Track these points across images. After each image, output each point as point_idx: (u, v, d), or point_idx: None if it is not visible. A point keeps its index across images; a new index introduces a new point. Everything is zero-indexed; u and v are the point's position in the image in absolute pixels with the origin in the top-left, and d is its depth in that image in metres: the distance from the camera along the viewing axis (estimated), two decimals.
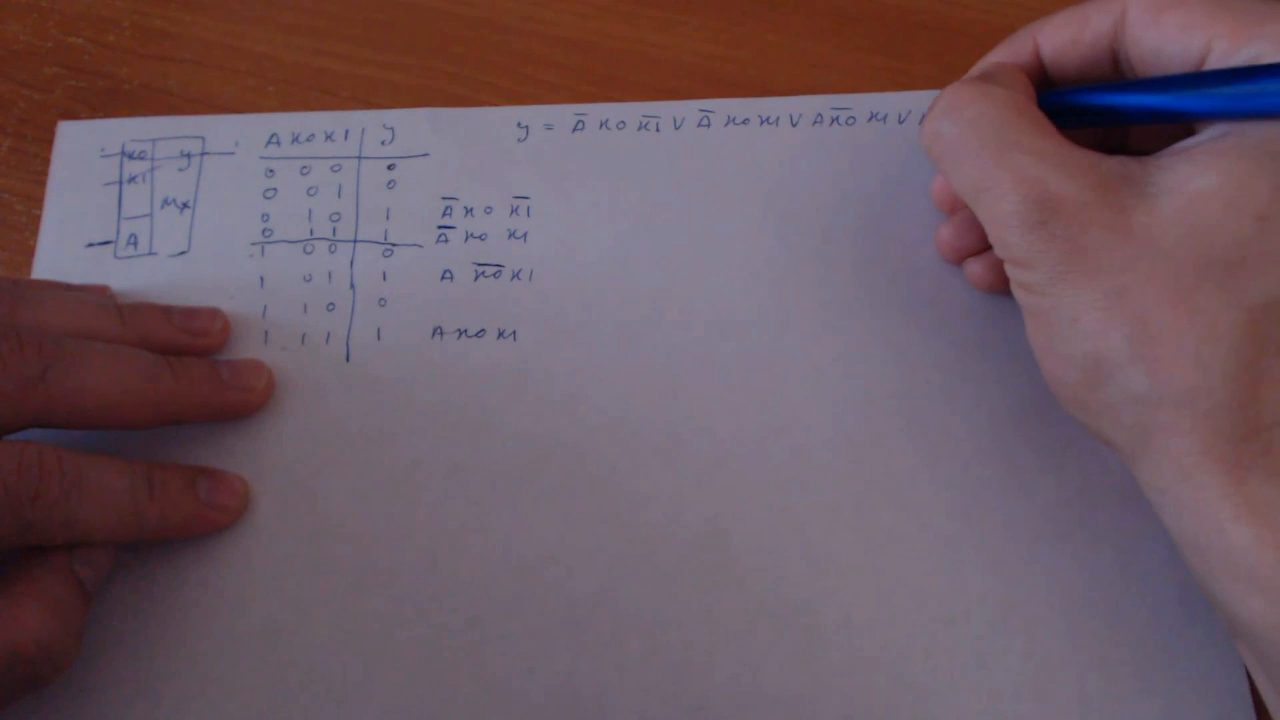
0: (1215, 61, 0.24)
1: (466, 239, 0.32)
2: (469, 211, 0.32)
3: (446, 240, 0.32)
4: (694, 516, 0.28)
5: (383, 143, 0.33)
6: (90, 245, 0.32)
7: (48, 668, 0.24)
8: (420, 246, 0.32)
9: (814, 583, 0.28)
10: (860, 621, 0.27)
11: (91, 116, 0.34)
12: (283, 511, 0.29)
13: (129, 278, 0.31)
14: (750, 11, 0.35)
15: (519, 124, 0.33)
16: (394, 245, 0.32)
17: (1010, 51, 0.28)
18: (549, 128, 0.33)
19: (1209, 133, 0.24)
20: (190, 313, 0.30)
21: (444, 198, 0.32)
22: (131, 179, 0.33)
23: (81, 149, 0.33)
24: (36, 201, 0.32)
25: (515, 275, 0.31)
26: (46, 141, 0.33)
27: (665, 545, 0.28)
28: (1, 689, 0.23)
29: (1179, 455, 0.22)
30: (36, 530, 0.24)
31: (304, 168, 0.33)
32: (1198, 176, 0.22)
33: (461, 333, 0.31)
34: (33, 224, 0.32)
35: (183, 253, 0.32)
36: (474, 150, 0.33)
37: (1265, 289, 0.22)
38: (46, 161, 0.33)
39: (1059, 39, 0.27)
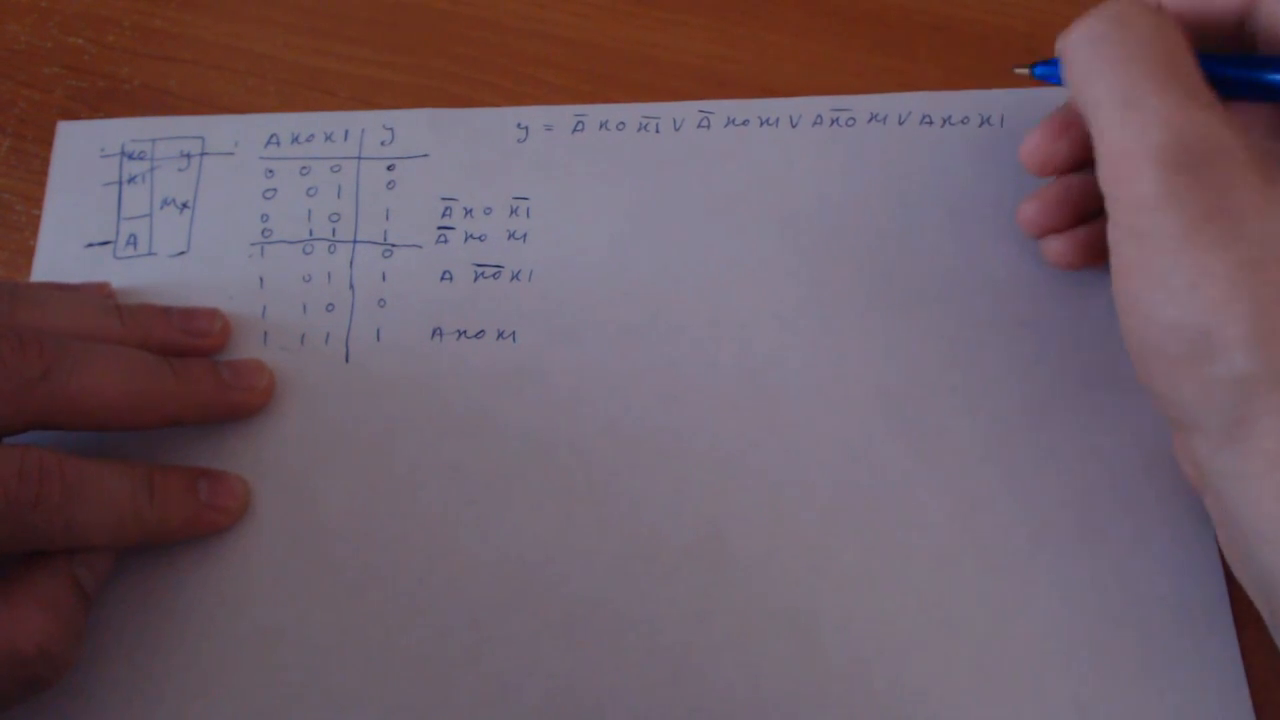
0: None
1: (466, 239, 0.32)
2: (469, 212, 0.32)
3: (446, 241, 0.32)
4: (693, 518, 0.28)
5: (382, 143, 0.33)
6: (90, 245, 0.32)
7: (48, 671, 0.24)
8: (420, 247, 0.32)
9: (813, 584, 0.28)
10: (859, 623, 0.27)
11: (91, 116, 0.34)
12: (282, 512, 0.29)
13: (129, 278, 0.31)
14: (750, 11, 0.35)
15: (519, 124, 0.33)
16: (393, 246, 0.32)
17: None
18: (549, 128, 0.33)
19: None
20: (190, 313, 0.30)
21: (444, 198, 0.32)
22: (131, 179, 0.33)
23: (81, 149, 0.33)
24: (36, 201, 0.32)
25: (515, 276, 0.31)
26: (46, 141, 0.33)
27: (664, 546, 0.28)
28: (2, 692, 0.23)
29: (1277, 442, 0.21)
30: (37, 535, 0.24)
31: (304, 168, 0.33)
32: None
33: (461, 333, 0.31)
34: (33, 224, 0.32)
35: (182, 253, 0.32)
36: (474, 151, 0.33)
37: None
38: (46, 161, 0.33)
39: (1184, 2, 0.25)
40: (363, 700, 0.27)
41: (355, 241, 0.32)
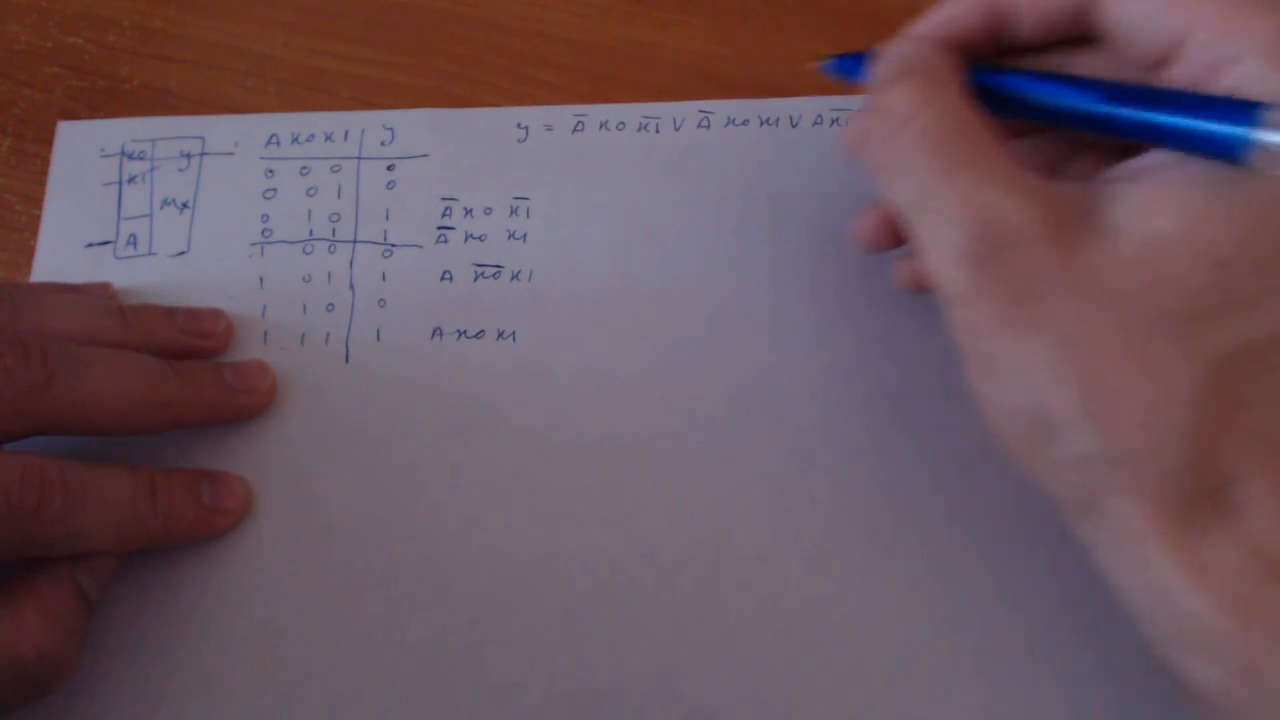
0: (1192, 55, 0.21)
1: (466, 239, 0.32)
2: (469, 212, 0.32)
3: (446, 241, 0.32)
4: (693, 517, 0.28)
5: (382, 143, 0.33)
6: (90, 245, 0.32)
7: (49, 676, 0.24)
8: (420, 247, 0.32)
9: (812, 584, 0.28)
10: (859, 623, 0.27)
11: (91, 116, 0.34)
12: (282, 512, 0.29)
13: (129, 278, 0.31)
14: (750, 11, 0.35)
15: (519, 124, 0.33)
16: (393, 246, 0.32)
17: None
18: (549, 128, 0.33)
19: (1158, 156, 0.22)
20: (193, 314, 0.30)
21: (444, 198, 0.32)
22: (131, 179, 0.33)
23: (81, 149, 0.33)
24: (36, 201, 0.32)
25: (515, 276, 0.31)
26: (46, 141, 0.33)
27: (664, 546, 0.28)
28: (3, 697, 0.23)
29: (1130, 518, 0.21)
30: (39, 543, 0.24)
31: (304, 168, 0.33)
32: (1153, 215, 0.21)
33: (461, 333, 0.31)
34: (33, 224, 0.32)
35: (182, 253, 0.32)
36: (474, 151, 0.33)
37: (1223, 341, 0.20)
38: (46, 161, 0.33)
39: None
40: (363, 700, 0.27)
41: (355, 241, 0.32)
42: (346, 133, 0.33)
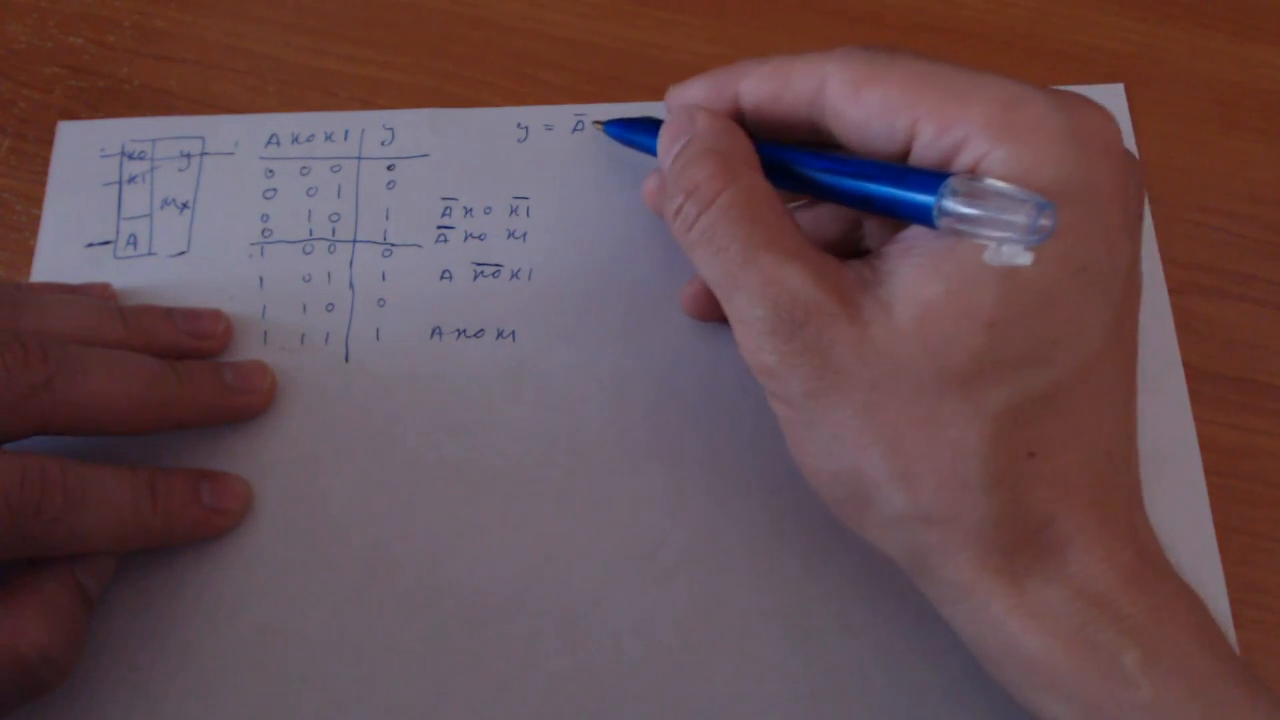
0: (922, 147, 0.22)
1: (466, 239, 0.32)
2: (468, 212, 0.32)
3: (446, 240, 0.32)
4: (692, 517, 0.28)
5: (382, 143, 0.33)
6: (90, 245, 0.32)
7: (50, 675, 0.24)
8: (419, 246, 0.32)
9: (812, 584, 0.28)
10: (858, 623, 0.27)
11: (91, 116, 0.34)
12: (282, 512, 0.29)
13: (129, 278, 0.31)
14: (750, 11, 0.35)
15: (519, 124, 0.33)
16: (393, 245, 0.32)
17: (714, 89, 0.26)
18: (549, 128, 0.33)
19: (918, 227, 0.22)
20: (193, 315, 0.30)
21: (444, 198, 0.32)
22: (131, 179, 0.33)
23: (81, 149, 0.33)
24: (36, 201, 0.32)
25: (514, 275, 0.31)
26: (46, 141, 0.33)
27: (664, 546, 0.28)
28: (4, 696, 0.23)
29: (956, 572, 0.22)
30: (39, 543, 0.24)
31: (304, 168, 0.33)
32: (926, 284, 0.21)
33: (460, 333, 0.31)
34: (32, 224, 0.32)
35: (182, 253, 0.32)
36: (474, 150, 0.33)
37: (1003, 396, 0.21)
38: (46, 161, 0.33)
39: (761, 92, 0.25)
40: (363, 700, 0.27)
41: (355, 241, 0.32)
42: (346, 133, 0.33)
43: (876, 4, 0.35)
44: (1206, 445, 0.29)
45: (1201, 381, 0.30)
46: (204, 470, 0.28)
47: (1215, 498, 0.28)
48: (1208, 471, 0.29)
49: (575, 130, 0.33)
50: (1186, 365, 0.30)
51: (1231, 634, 0.27)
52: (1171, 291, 0.31)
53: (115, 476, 0.26)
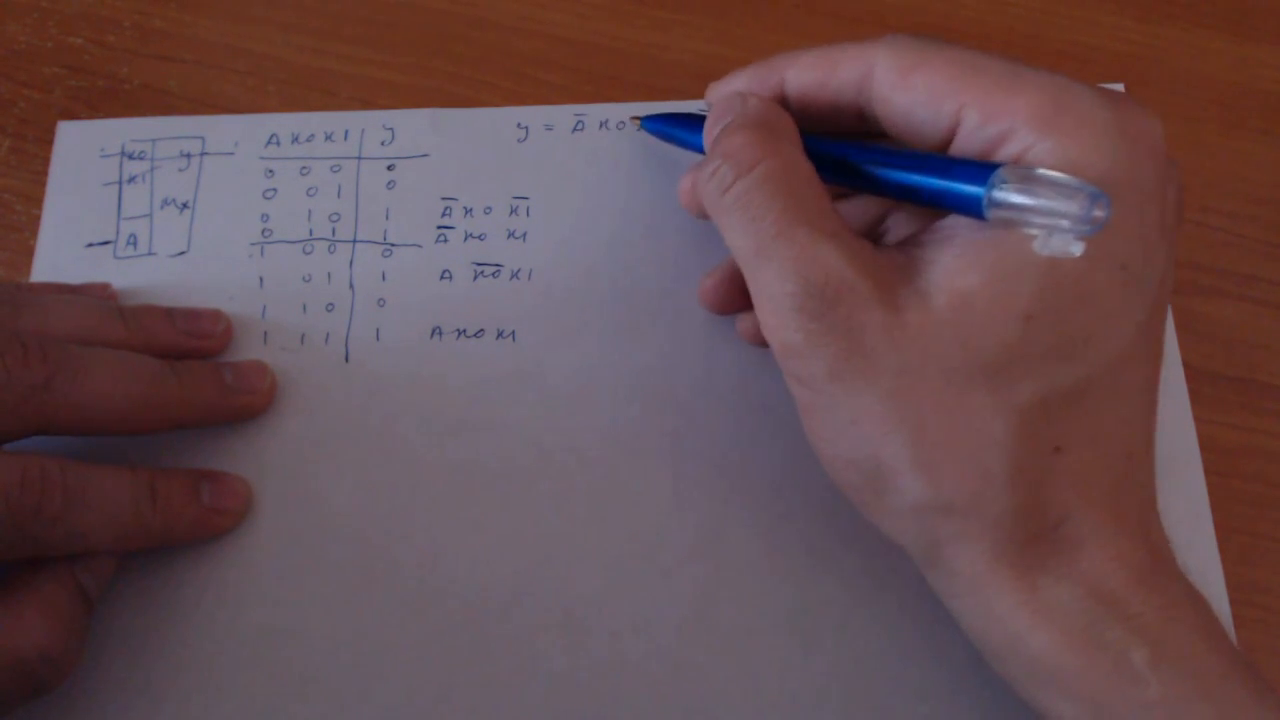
0: (966, 135, 0.22)
1: (466, 239, 0.32)
2: (469, 212, 0.32)
3: (446, 240, 0.32)
4: (693, 516, 0.28)
5: (383, 143, 0.33)
6: (90, 245, 0.32)
7: (50, 675, 0.24)
8: (419, 246, 0.32)
9: (812, 584, 0.28)
10: (858, 622, 0.27)
11: (91, 116, 0.34)
12: (282, 512, 0.29)
13: (129, 278, 0.31)
14: (750, 11, 0.35)
15: (519, 124, 0.33)
16: (393, 245, 0.32)
17: (756, 81, 0.26)
18: (549, 128, 0.33)
19: (959, 218, 0.22)
20: (193, 315, 0.30)
21: (444, 198, 0.32)
22: (131, 179, 0.33)
23: (81, 149, 0.33)
24: (36, 201, 0.32)
25: (514, 275, 0.31)
26: (46, 141, 0.33)
27: (664, 546, 0.28)
28: (4, 696, 0.23)
29: (969, 564, 0.22)
30: (39, 543, 0.24)
31: (304, 168, 0.33)
32: (963, 273, 0.21)
33: (460, 333, 0.31)
34: (32, 224, 0.32)
35: (182, 253, 0.32)
36: (474, 150, 0.33)
37: (1034, 389, 0.21)
38: (46, 161, 0.33)
39: (806, 79, 0.25)
40: (363, 700, 0.27)
41: (355, 241, 0.32)
42: (346, 133, 0.33)
43: (877, 4, 0.35)
44: (1206, 445, 0.29)
45: (1201, 381, 0.30)
46: (204, 470, 0.28)
47: (1215, 498, 0.28)
48: (1208, 471, 0.29)
49: (575, 130, 0.33)
50: (1186, 365, 0.30)
51: (1232, 634, 0.27)
52: (1172, 292, 0.31)
53: (115, 476, 0.26)
